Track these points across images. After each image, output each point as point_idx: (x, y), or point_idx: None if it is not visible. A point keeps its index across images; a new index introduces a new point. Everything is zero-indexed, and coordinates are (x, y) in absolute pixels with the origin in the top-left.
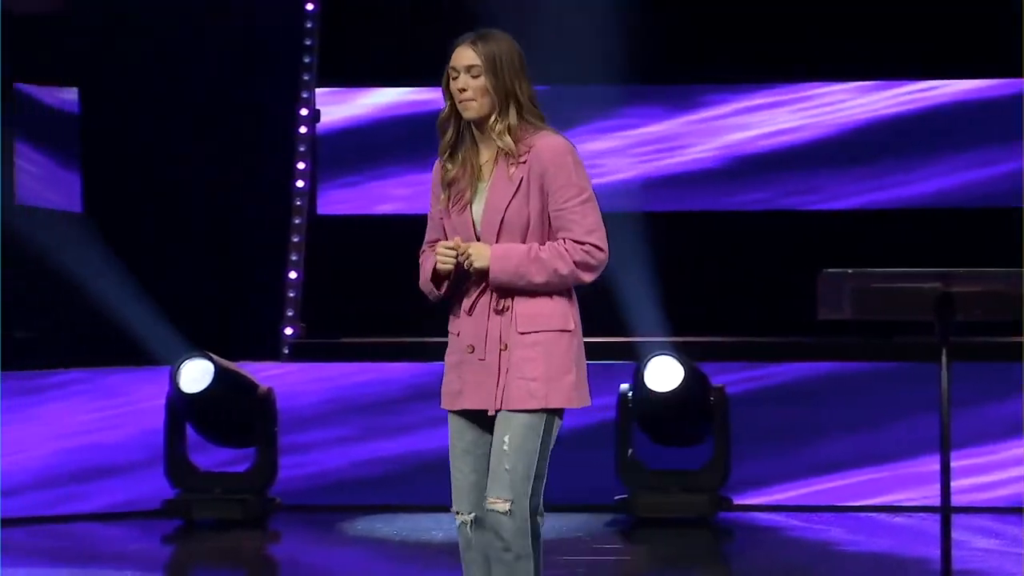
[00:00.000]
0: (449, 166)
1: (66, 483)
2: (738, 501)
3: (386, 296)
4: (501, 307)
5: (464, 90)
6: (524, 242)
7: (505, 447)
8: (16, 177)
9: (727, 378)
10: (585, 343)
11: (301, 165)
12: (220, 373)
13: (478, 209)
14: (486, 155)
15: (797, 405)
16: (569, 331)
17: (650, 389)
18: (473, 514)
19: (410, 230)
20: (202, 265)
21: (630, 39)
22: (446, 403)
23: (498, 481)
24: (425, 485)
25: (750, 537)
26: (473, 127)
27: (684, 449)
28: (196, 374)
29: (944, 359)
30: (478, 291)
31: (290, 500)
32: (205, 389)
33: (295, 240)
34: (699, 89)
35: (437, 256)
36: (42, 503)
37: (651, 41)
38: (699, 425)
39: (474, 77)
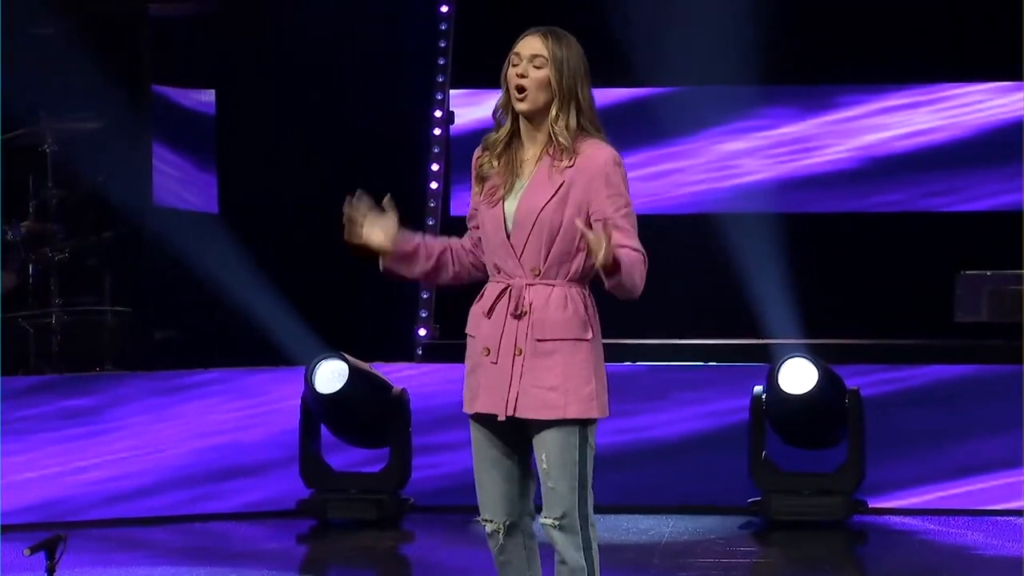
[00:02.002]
0: (494, 160)
1: (204, 482)
2: (873, 504)
3: None
4: (519, 311)
5: (524, 77)
6: (552, 246)
7: (545, 466)
8: (154, 178)
9: (861, 380)
10: (719, 344)
11: (435, 166)
12: (354, 374)
13: (511, 206)
14: (530, 152)
15: (933, 408)
16: (588, 340)
17: (784, 391)
18: (507, 520)
19: None
20: (336, 266)
21: (766, 40)
22: (465, 406)
23: (546, 499)
24: None
25: (885, 541)
26: (523, 121)
27: (818, 452)
28: (330, 374)
29: None
30: (496, 294)
31: (423, 501)
32: (339, 390)
33: None
34: (835, 90)
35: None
36: (181, 502)
37: (787, 41)
38: (833, 428)
39: (536, 68)
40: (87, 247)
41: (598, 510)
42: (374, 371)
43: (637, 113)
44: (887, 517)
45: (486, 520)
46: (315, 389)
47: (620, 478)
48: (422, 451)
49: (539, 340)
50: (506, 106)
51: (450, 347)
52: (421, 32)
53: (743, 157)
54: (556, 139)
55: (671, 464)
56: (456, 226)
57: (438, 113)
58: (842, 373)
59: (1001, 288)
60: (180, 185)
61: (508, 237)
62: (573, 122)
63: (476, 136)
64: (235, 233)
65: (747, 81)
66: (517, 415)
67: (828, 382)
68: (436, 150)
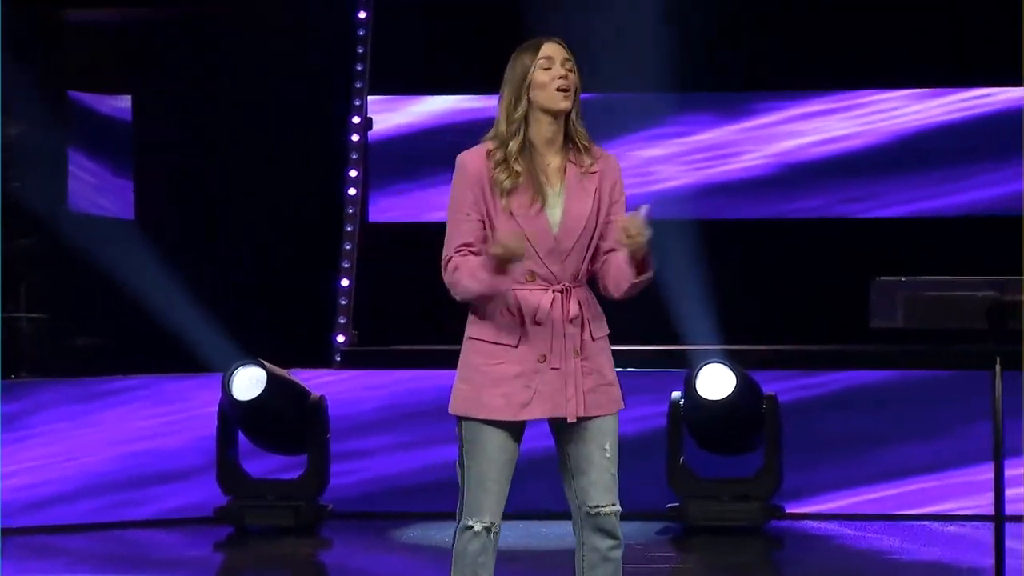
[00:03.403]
0: (517, 168)
1: (122, 489)
2: (790, 509)
3: (437, 303)
4: (572, 315)
5: (565, 78)
6: (590, 250)
7: (608, 455)
8: (69, 184)
9: (779, 386)
10: (637, 350)
11: (353, 173)
12: (272, 380)
13: (556, 213)
14: (550, 158)
15: (849, 413)
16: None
17: (702, 397)
18: (497, 522)
19: None
20: (254, 272)
21: (684, 47)
22: (510, 413)
23: (609, 489)
24: None
25: (802, 545)
26: (545, 126)
27: (736, 457)
28: (248, 381)
29: (997, 368)
30: (541, 300)
31: (342, 507)
32: (257, 396)
33: (346, 247)
34: (751, 96)
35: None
36: (99, 509)
37: (704, 49)
38: (751, 433)
39: (570, 71)
40: (2, 253)
41: (518, 517)
42: (292, 378)
43: None
44: (804, 522)
45: (481, 522)
46: (232, 396)
47: (540, 484)
48: (340, 458)
49: (595, 339)
50: (523, 113)
51: (368, 354)
52: (339, 39)
53: (660, 163)
54: (579, 141)
55: None
56: (374, 232)
57: (356, 119)
58: (760, 379)
59: (916, 294)
60: (96, 191)
61: (556, 244)
62: (581, 127)
63: (394, 142)
64: (152, 239)
65: (664, 88)
66: (588, 414)
67: (746, 388)
68: (354, 156)
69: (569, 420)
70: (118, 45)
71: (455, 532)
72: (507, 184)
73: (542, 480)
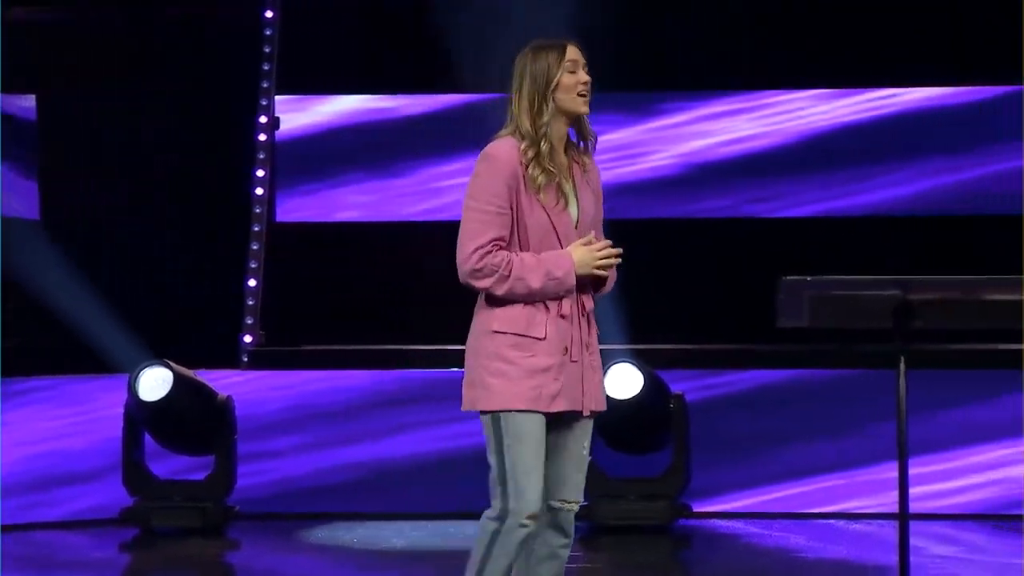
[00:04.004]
0: (551, 167)
1: (28, 491)
2: (697, 508)
3: (346, 303)
4: (587, 309)
5: (587, 83)
6: None
7: (585, 452)
8: None
9: (686, 385)
10: None
11: (260, 172)
12: (178, 381)
13: (573, 211)
14: (561, 157)
15: (756, 413)
16: None
17: (610, 396)
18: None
19: (369, 237)
20: (160, 273)
21: (591, 47)
22: (543, 404)
23: (579, 487)
24: (386, 493)
25: (709, 544)
26: (561, 126)
27: (643, 456)
28: (154, 382)
29: (902, 367)
30: (566, 294)
31: (249, 508)
32: (163, 397)
33: (254, 248)
34: (659, 96)
35: (607, 259)
36: (5, 511)
37: (611, 48)
38: (658, 433)
39: (587, 74)
40: None
41: (430, 517)
42: (199, 378)
43: (463, 119)
44: (711, 521)
45: (532, 513)
46: (139, 397)
47: (449, 484)
48: (248, 458)
49: (596, 335)
50: (552, 113)
51: (276, 354)
52: (246, 38)
53: None
54: (589, 141)
55: None
56: (281, 232)
57: (263, 119)
58: (667, 378)
59: (822, 293)
60: (1, 191)
61: (577, 239)
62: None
63: (301, 142)
64: (57, 240)
65: None
66: (596, 409)
67: (653, 387)
68: (261, 156)
69: (584, 414)
70: (25, 44)
71: (493, 523)
72: (542, 181)
73: (451, 480)
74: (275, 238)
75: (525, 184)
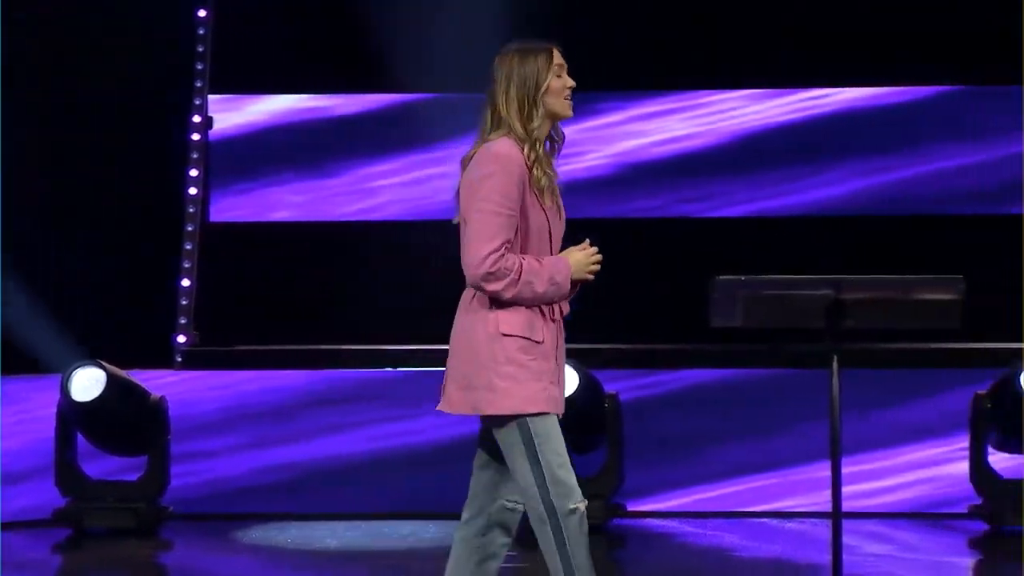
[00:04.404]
0: (550, 171)
1: None
2: (631, 508)
3: (280, 303)
4: (566, 312)
5: (572, 87)
6: None
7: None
8: None
9: (621, 385)
10: None
11: (193, 172)
12: (111, 381)
13: (560, 213)
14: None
15: (690, 412)
16: None
17: None
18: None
19: (304, 237)
20: (94, 273)
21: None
22: (548, 406)
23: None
24: (320, 493)
25: (643, 544)
26: (545, 130)
27: (577, 456)
28: (87, 382)
29: (834, 366)
30: (560, 299)
31: (183, 509)
32: (96, 397)
33: (187, 247)
34: (593, 96)
35: (595, 263)
36: None
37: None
38: (592, 432)
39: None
40: None
41: (364, 517)
42: (132, 378)
43: (397, 119)
44: (646, 520)
45: (581, 500)
46: (71, 397)
47: (382, 484)
48: (182, 459)
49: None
50: (543, 116)
51: (210, 354)
52: (179, 37)
53: None
54: (557, 143)
55: (431, 470)
56: (215, 232)
57: (197, 118)
58: (601, 378)
59: (755, 293)
60: None
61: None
62: None
63: (235, 141)
64: None
65: None
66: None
67: (588, 387)
68: (195, 155)
69: (561, 415)
70: None
71: (548, 524)
72: (545, 183)
73: (385, 480)
74: (209, 238)
75: (530, 186)
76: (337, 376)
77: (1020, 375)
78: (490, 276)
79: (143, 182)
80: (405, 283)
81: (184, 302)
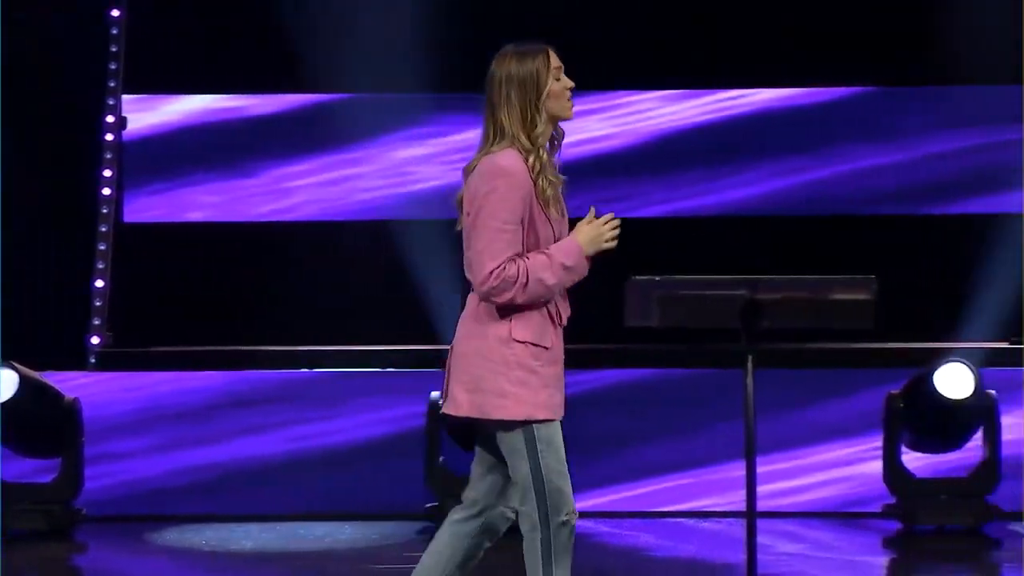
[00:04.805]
0: (552, 178)
1: None
2: None
3: (195, 304)
4: (567, 317)
5: (572, 88)
6: None
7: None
8: None
9: None
10: (396, 351)
11: (107, 172)
12: (24, 383)
13: (566, 219)
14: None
15: (606, 412)
16: None
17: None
18: None
19: (220, 237)
20: (6, 274)
21: (440, 47)
22: (555, 413)
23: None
24: (235, 494)
25: None
26: (547, 134)
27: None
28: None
29: (749, 366)
30: (563, 303)
31: (98, 511)
32: (9, 399)
33: (101, 248)
34: None
35: (611, 229)
36: None
37: (461, 49)
38: None
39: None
40: None
41: (279, 518)
42: (45, 380)
43: (313, 119)
44: None
45: (573, 512)
46: None
47: (298, 485)
48: (96, 460)
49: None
50: (547, 122)
51: (124, 355)
52: (92, 37)
53: (419, 164)
54: (559, 143)
55: (348, 471)
56: (129, 232)
57: (110, 119)
58: None
59: (671, 293)
60: None
61: None
62: None
63: (149, 142)
64: None
65: (422, 88)
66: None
67: None
68: (108, 156)
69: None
70: None
71: (537, 532)
72: (551, 193)
73: (300, 481)
74: (123, 239)
75: (536, 198)
76: (253, 377)
77: (933, 375)
78: (495, 290)
79: (57, 183)
80: (322, 283)
81: (98, 303)
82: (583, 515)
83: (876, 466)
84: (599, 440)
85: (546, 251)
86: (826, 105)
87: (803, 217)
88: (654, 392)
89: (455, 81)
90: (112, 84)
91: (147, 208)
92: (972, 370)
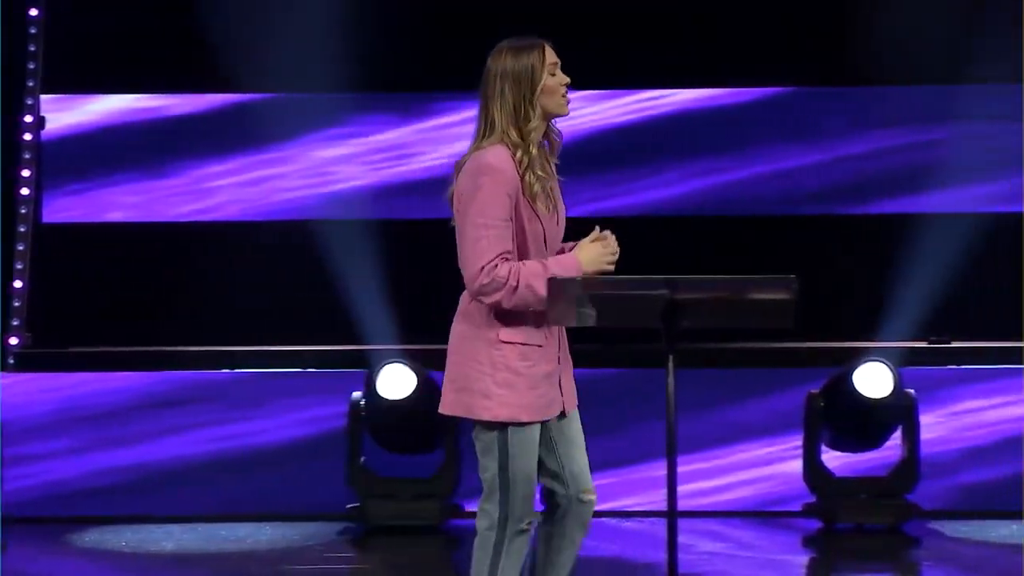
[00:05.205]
0: (542, 173)
1: None
2: (469, 508)
3: (115, 304)
4: None
5: (568, 84)
6: None
7: (582, 442)
8: None
9: None
10: (318, 351)
11: (26, 172)
12: None
13: (556, 216)
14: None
15: None
16: None
17: (382, 397)
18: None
19: (140, 237)
20: None
21: (360, 47)
22: (541, 414)
23: (585, 474)
24: (156, 495)
25: None
26: (541, 130)
27: (417, 457)
28: None
29: (670, 365)
30: None
31: (16, 512)
32: None
33: (19, 248)
34: (430, 97)
35: (612, 253)
36: None
37: (383, 49)
38: (430, 433)
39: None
40: None
41: (200, 519)
42: None
43: (233, 119)
44: None
45: (532, 521)
46: None
47: (219, 486)
48: (14, 462)
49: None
50: (539, 117)
51: (43, 356)
52: (10, 37)
53: (340, 164)
54: (556, 142)
55: (269, 472)
56: (48, 233)
57: (29, 118)
58: (439, 378)
59: (591, 293)
60: None
61: (561, 244)
62: None
63: (69, 141)
64: None
65: (344, 88)
66: (570, 409)
67: (425, 388)
68: (27, 156)
69: (567, 413)
70: None
71: (492, 533)
72: (538, 188)
73: (221, 481)
74: (42, 239)
75: (523, 193)
76: (173, 377)
77: (853, 374)
78: (485, 288)
79: None
80: (243, 283)
81: (16, 304)
82: None
83: (796, 465)
84: None
85: (544, 261)
86: (746, 105)
87: (724, 217)
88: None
89: (376, 81)
90: (31, 84)
91: (66, 208)
92: (891, 369)
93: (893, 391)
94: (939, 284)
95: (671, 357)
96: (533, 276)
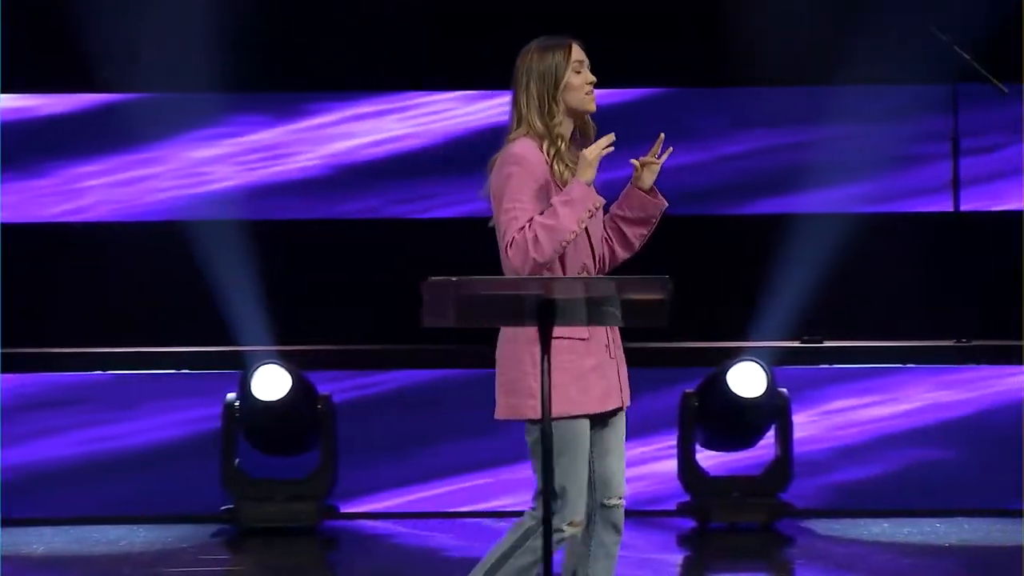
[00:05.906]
0: (572, 164)
1: None
2: (345, 509)
3: (15, 305)
4: None
5: (593, 83)
6: None
7: (623, 444)
8: None
9: (334, 386)
10: (191, 352)
11: None
12: None
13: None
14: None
15: (404, 412)
16: None
17: (256, 398)
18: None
19: (11, 238)
20: None
21: (234, 46)
22: (593, 406)
23: (623, 480)
24: (27, 498)
25: (356, 545)
26: (567, 127)
27: (292, 458)
28: None
29: (545, 365)
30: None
31: None
32: None
33: None
34: (304, 97)
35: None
36: None
37: (256, 48)
38: (306, 434)
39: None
40: None
41: (72, 522)
42: None
43: (105, 119)
44: (359, 521)
45: (579, 519)
46: None
47: (91, 488)
48: None
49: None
50: (564, 112)
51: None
52: None
53: (213, 164)
54: (591, 135)
55: (142, 473)
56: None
57: None
58: (314, 379)
59: (468, 293)
60: None
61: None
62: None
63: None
64: None
65: (217, 88)
66: (628, 401)
67: (300, 388)
68: None
69: (624, 406)
70: None
71: (532, 522)
72: (567, 177)
73: (95, 483)
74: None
75: (554, 180)
76: (44, 379)
77: (726, 374)
78: (518, 260)
79: None
80: (116, 285)
81: None
82: (381, 516)
83: (671, 464)
84: (397, 441)
85: (550, 201)
86: (624, 106)
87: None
88: (451, 393)
89: (250, 81)
90: None
91: None
92: (764, 369)
93: (766, 390)
94: (811, 284)
95: (546, 357)
96: (543, 218)
